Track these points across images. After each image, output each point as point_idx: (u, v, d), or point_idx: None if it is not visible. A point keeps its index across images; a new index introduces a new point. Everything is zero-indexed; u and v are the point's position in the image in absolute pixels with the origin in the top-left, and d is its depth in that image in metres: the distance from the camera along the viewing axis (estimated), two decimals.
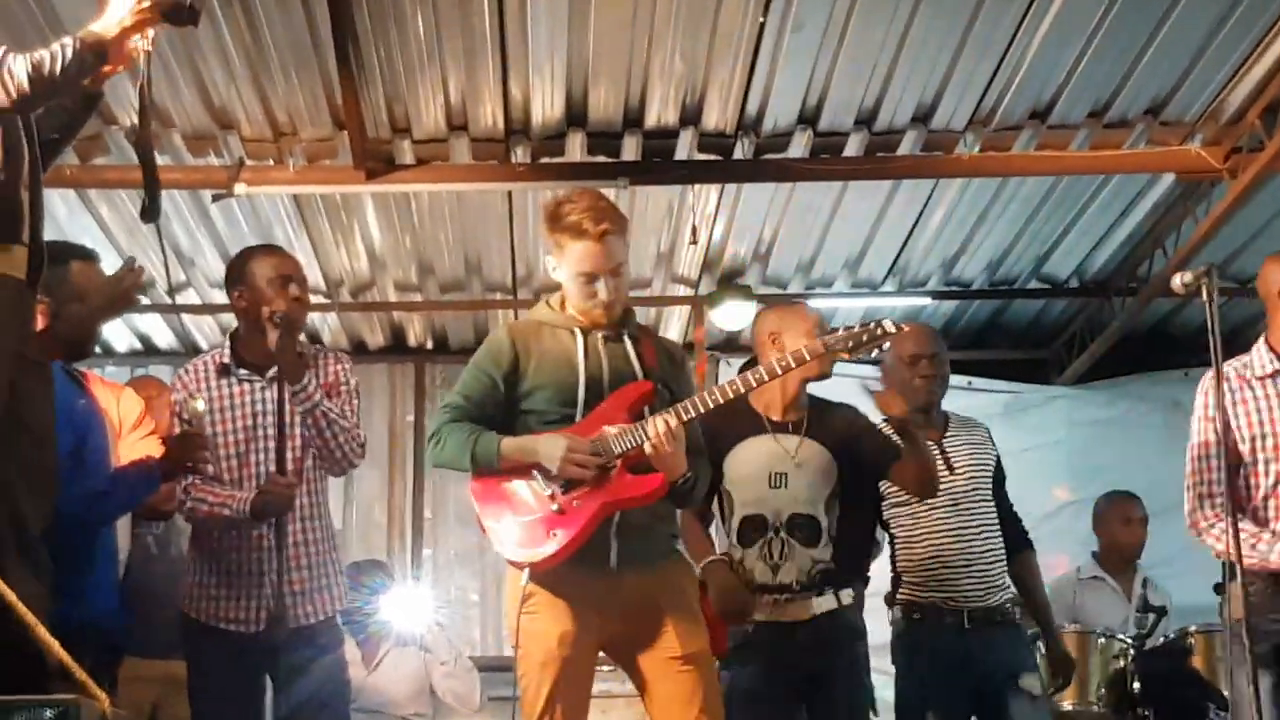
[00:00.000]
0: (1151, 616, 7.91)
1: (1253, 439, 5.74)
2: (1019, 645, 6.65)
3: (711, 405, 5.25)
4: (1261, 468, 5.73)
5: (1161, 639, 7.83)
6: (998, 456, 6.78)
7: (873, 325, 5.39)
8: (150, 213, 5.00)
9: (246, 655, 5.90)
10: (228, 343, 6.23)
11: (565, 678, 5.25)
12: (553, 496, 5.22)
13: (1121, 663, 7.69)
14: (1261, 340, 5.90)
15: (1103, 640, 7.80)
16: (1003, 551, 6.63)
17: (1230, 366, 5.86)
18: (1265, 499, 5.76)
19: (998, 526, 6.63)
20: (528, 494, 5.27)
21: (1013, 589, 6.65)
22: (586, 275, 5.33)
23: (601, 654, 5.46)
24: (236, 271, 6.20)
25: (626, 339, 5.44)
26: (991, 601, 6.50)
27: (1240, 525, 5.62)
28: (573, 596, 5.25)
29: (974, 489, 6.59)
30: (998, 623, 6.51)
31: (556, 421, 5.31)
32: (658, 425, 5.13)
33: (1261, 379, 5.79)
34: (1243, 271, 11.52)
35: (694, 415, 5.22)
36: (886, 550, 6.83)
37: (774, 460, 6.16)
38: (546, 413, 5.35)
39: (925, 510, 6.50)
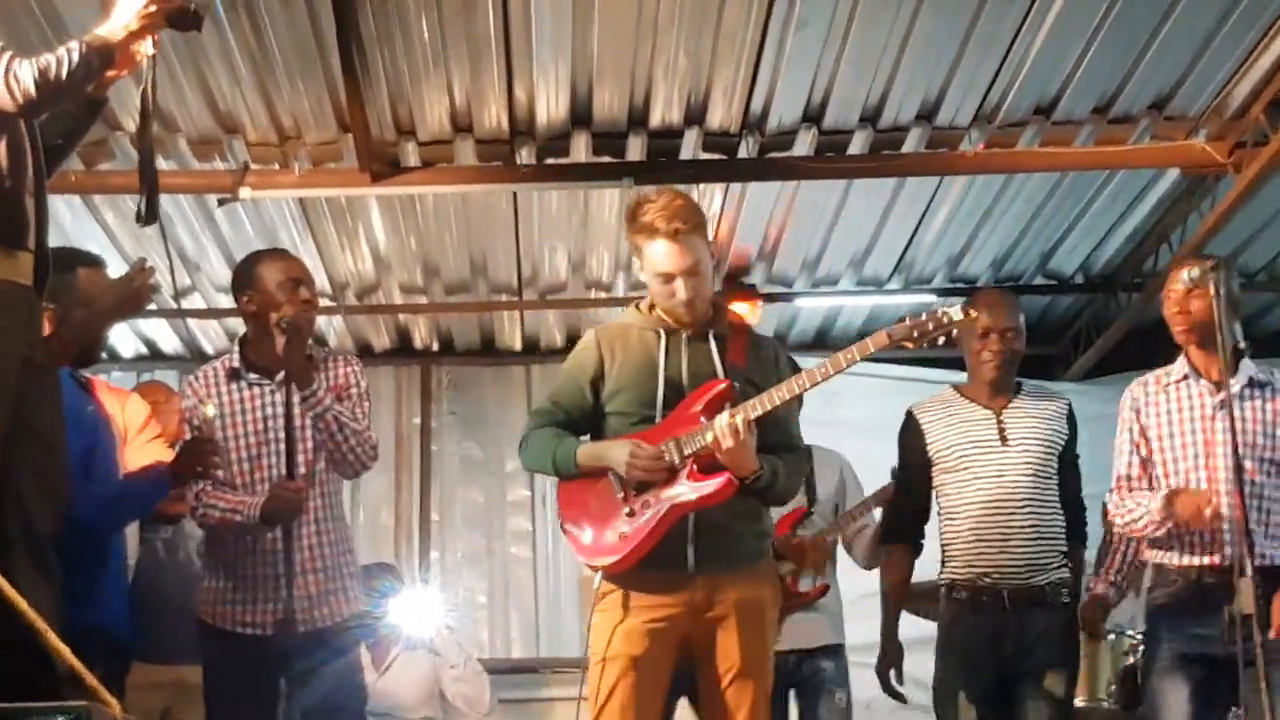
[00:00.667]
0: None
1: (1160, 439, 6.03)
2: (1057, 633, 6.38)
3: (779, 401, 5.24)
4: (1171, 467, 6.00)
5: None
6: (1070, 436, 6.51)
7: (939, 314, 5.37)
8: (148, 216, 5.00)
9: (261, 659, 5.91)
10: (236, 348, 6.24)
11: (628, 674, 5.26)
12: (625, 499, 5.24)
13: (1131, 659, 7.67)
14: (1183, 353, 6.21)
15: (1113, 636, 7.80)
16: (1054, 531, 6.37)
17: (1152, 374, 6.29)
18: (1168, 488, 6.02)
19: (1052, 505, 6.38)
20: (604, 498, 5.32)
21: (1066, 571, 6.39)
22: (663, 275, 5.35)
23: None
24: (244, 276, 6.21)
25: (712, 338, 5.44)
26: (1035, 581, 6.25)
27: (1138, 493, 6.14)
28: (647, 596, 5.28)
29: (1025, 462, 6.32)
30: (1041, 604, 6.27)
31: (638, 422, 5.36)
32: (722, 422, 5.14)
33: (1175, 383, 6.06)
34: (1248, 265, 11.55)
35: (760, 413, 5.21)
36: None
37: None
38: (629, 414, 5.40)
39: (970, 480, 6.32)
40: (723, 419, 5.14)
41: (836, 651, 7.59)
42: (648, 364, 5.36)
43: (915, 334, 5.35)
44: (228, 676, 6.08)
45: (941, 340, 5.39)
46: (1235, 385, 5.99)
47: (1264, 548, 5.88)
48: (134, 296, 5.89)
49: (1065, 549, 6.39)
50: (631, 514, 5.22)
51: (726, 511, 5.27)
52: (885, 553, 6.86)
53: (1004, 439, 6.34)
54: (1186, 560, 5.99)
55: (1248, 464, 5.88)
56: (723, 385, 5.30)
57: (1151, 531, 5.99)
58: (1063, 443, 6.44)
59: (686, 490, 5.21)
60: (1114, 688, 7.68)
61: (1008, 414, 6.41)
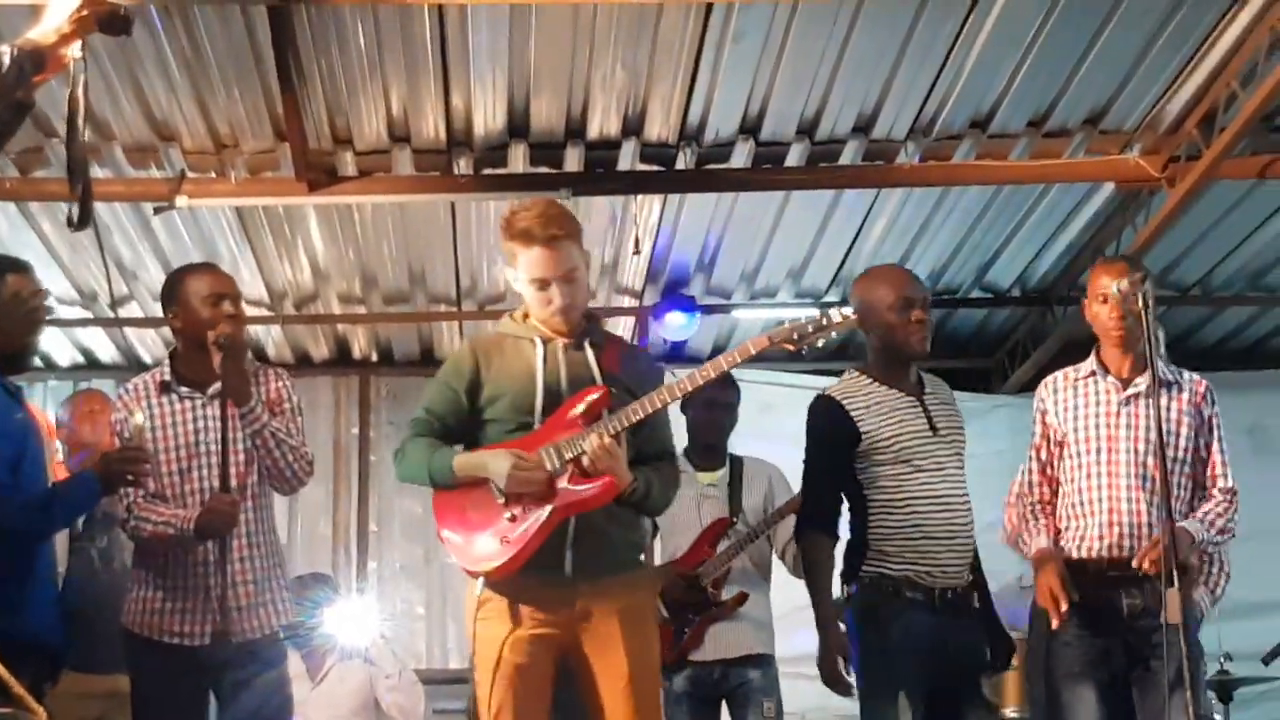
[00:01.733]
0: None
1: (1068, 434, 6.20)
2: (982, 640, 6.23)
3: (644, 415, 5.28)
4: (1076, 460, 6.11)
5: None
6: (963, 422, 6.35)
7: (819, 316, 5.40)
8: (80, 221, 4.98)
9: (190, 670, 5.90)
10: (167, 361, 6.24)
11: (516, 683, 5.26)
12: (505, 505, 5.25)
13: None
14: (1094, 350, 6.33)
15: None
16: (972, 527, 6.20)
17: (1061, 371, 6.39)
18: (1080, 492, 6.14)
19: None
20: (483, 505, 5.30)
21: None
22: (539, 281, 5.37)
23: None
24: (169, 292, 6.23)
25: (588, 346, 5.46)
26: (965, 579, 6.07)
27: (1037, 520, 6.28)
28: (527, 603, 5.28)
29: (955, 454, 6.15)
30: (965, 608, 6.09)
31: (516, 430, 5.35)
32: (592, 444, 5.16)
33: (1083, 379, 6.15)
34: (1182, 280, 11.64)
35: (624, 428, 5.25)
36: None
37: None
38: (506, 421, 5.39)
39: (909, 474, 5.97)
40: (592, 441, 5.16)
41: (764, 661, 7.60)
42: (525, 372, 5.37)
43: (795, 336, 5.38)
44: (156, 687, 6.05)
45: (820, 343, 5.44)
46: (1141, 384, 6.08)
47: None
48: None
49: None
50: (513, 519, 5.22)
51: (604, 518, 5.28)
52: (808, 541, 6.21)
53: (934, 428, 6.11)
54: (1075, 555, 6.09)
55: (1150, 460, 5.97)
56: (600, 392, 5.33)
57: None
58: (963, 427, 6.29)
59: (568, 494, 5.22)
60: None
61: (927, 399, 6.19)
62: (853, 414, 6.04)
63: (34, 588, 5.76)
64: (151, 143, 9.35)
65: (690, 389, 5.42)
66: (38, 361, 12.10)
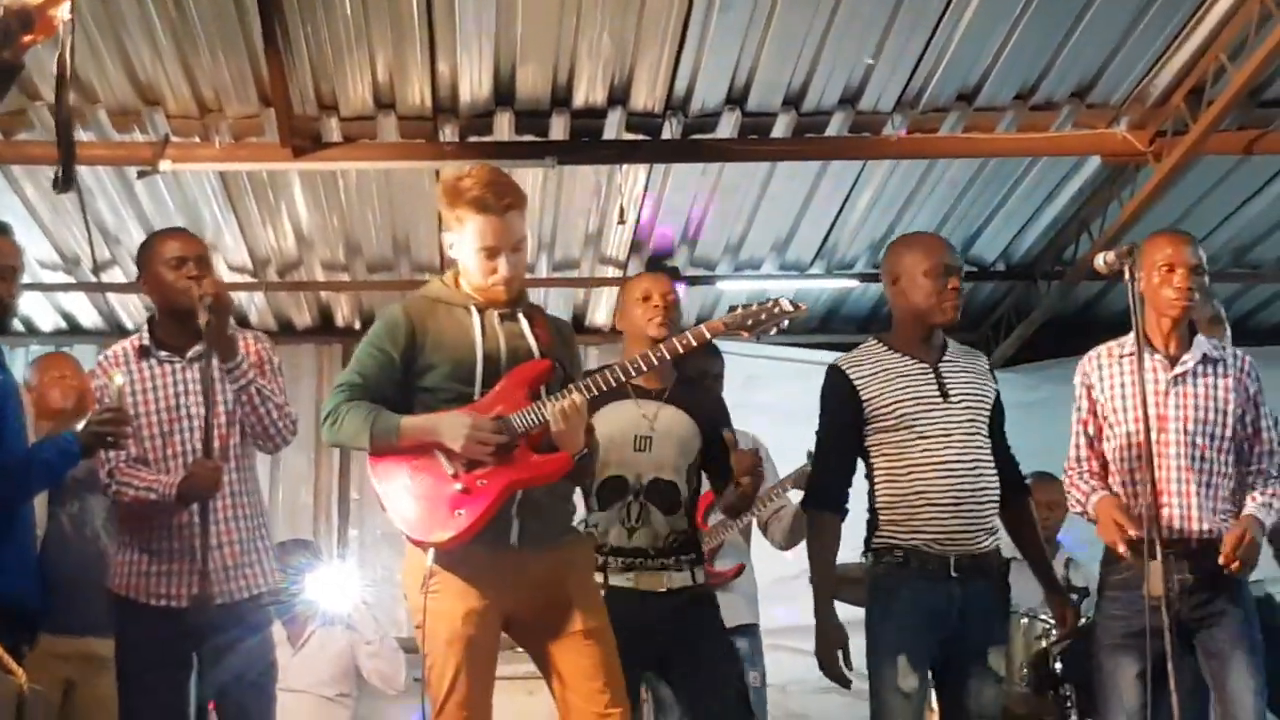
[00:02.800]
0: (1074, 597, 7.93)
1: (1115, 411, 6.09)
2: (998, 608, 6.20)
3: (612, 383, 5.32)
4: (1124, 439, 6.08)
5: (1084, 619, 7.88)
6: (998, 392, 6.24)
7: (769, 303, 5.47)
8: (64, 183, 4.96)
9: (174, 632, 5.89)
10: (145, 326, 6.25)
11: (471, 656, 5.23)
12: (456, 475, 5.19)
13: (1044, 643, 7.73)
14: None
15: (1025, 620, 7.84)
16: (996, 493, 6.06)
17: (1104, 345, 6.25)
18: (1130, 470, 6.10)
19: (993, 464, 6.07)
20: (429, 473, 5.23)
21: (1002, 534, 6.14)
22: (489, 250, 5.30)
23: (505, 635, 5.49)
24: (139, 258, 6.28)
25: (521, 317, 5.44)
26: (981, 547, 5.95)
27: (1080, 480, 6.19)
28: (475, 575, 5.22)
29: (969, 420, 6.01)
30: (984, 573, 5.98)
31: (454, 400, 5.27)
32: (562, 403, 5.14)
33: (1130, 354, 6.07)
34: None
35: (596, 393, 5.26)
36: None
37: (636, 424, 6.15)
38: (444, 390, 5.30)
39: (914, 440, 5.88)
40: (564, 400, 5.16)
41: (750, 631, 7.59)
42: (464, 340, 5.32)
43: (749, 322, 5.46)
44: (141, 649, 6.06)
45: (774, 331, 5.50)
46: (1190, 361, 6.05)
47: (1210, 522, 5.95)
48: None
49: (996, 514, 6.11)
50: (467, 491, 5.19)
51: (546, 490, 5.29)
52: (812, 520, 6.13)
53: (945, 394, 6.01)
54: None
55: (1199, 440, 5.96)
56: (545, 365, 5.32)
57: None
58: (994, 398, 6.18)
59: (524, 467, 5.21)
60: (1026, 671, 7.74)
61: (944, 367, 6.08)
62: (855, 382, 5.98)
63: (12, 550, 5.74)
64: (136, 106, 9.31)
65: (654, 363, 5.47)
66: (19, 326, 12.08)
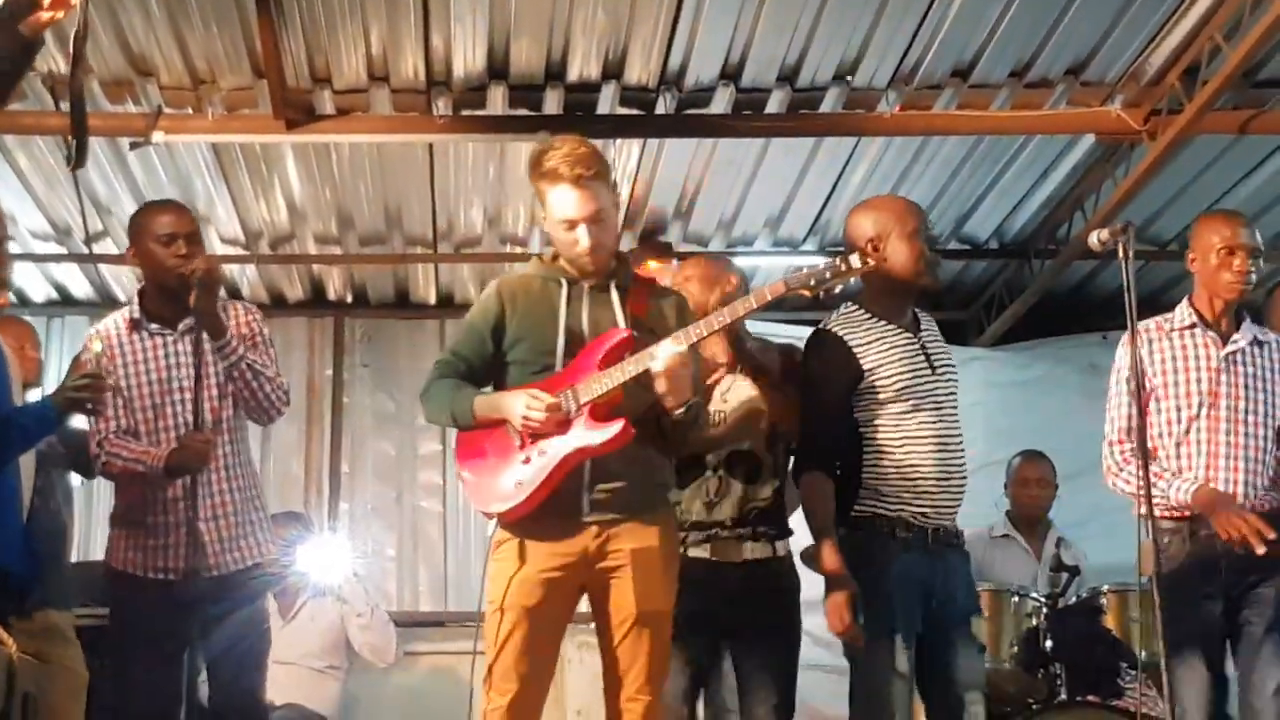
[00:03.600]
0: (1065, 576, 7.95)
1: (1165, 386, 6.03)
2: (970, 579, 6.30)
3: (709, 332, 5.36)
4: (1173, 414, 6.01)
5: (1074, 598, 7.90)
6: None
7: (837, 262, 5.44)
8: (78, 160, 4.99)
9: (169, 604, 5.95)
10: (136, 299, 6.27)
11: (521, 623, 5.29)
12: (521, 446, 5.26)
13: (1034, 621, 7.76)
14: (1186, 299, 6.14)
15: (1016, 599, 7.87)
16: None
17: (1153, 320, 6.28)
18: (1177, 445, 6.06)
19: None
20: (500, 446, 5.37)
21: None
22: (567, 222, 5.39)
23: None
24: (130, 230, 6.35)
25: (614, 289, 5.46)
26: (953, 520, 6.10)
27: (1132, 456, 6.07)
28: (542, 544, 5.33)
29: (951, 393, 6.15)
30: (954, 545, 6.12)
31: (539, 371, 5.42)
32: (668, 349, 5.18)
33: (1180, 330, 6.07)
34: (1161, 234, 11.62)
35: (697, 339, 5.30)
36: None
37: (710, 400, 6.16)
38: (529, 363, 5.45)
39: (909, 414, 5.96)
40: (668, 346, 5.17)
41: None
42: (549, 313, 5.40)
43: (812, 281, 5.43)
44: (137, 621, 6.13)
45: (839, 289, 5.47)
46: (1241, 340, 6.08)
47: (1257, 500, 6.10)
48: None
49: None
50: (528, 461, 5.26)
51: (622, 460, 5.32)
52: (806, 483, 6.05)
53: (932, 366, 6.10)
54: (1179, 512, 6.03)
55: (1250, 417, 5.99)
56: (623, 335, 5.34)
57: (1169, 514, 6.06)
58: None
59: (583, 437, 5.24)
60: (1015, 649, 7.76)
61: (924, 336, 6.17)
62: (855, 350, 5.98)
63: None
64: (128, 77, 9.27)
65: (717, 328, 5.42)
66: (11, 297, 12.05)
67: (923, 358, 6.04)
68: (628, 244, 11.72)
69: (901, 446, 5.95)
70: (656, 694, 5.46)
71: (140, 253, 6.24)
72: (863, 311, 6.08)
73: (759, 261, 12.14)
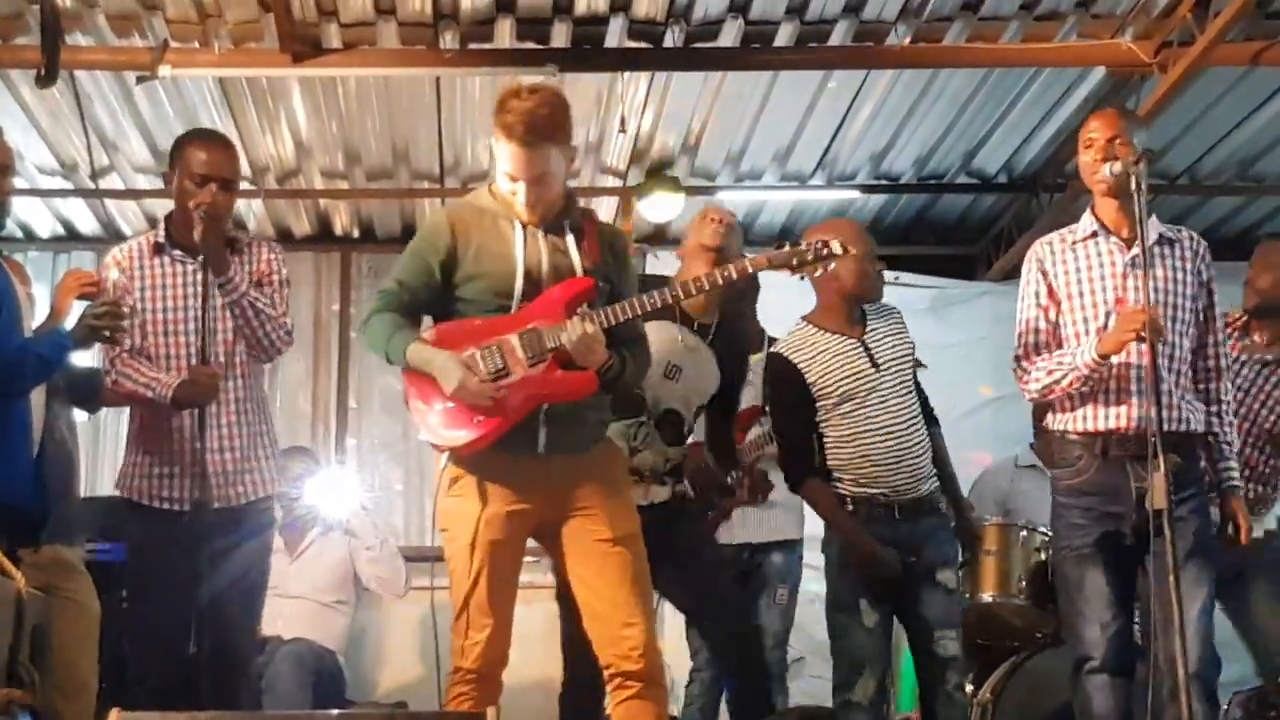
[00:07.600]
0: None
1: (1069, 299, 6.00)
2: (943, 537, 6.75)
3: (639, 311, 5.39)
4: (1080, 326, 5.97)
5: None
6: (913, 342, 6.84)
7: (818, 244, 5.58)
8: (47, 78, 4.97)
9: (178, 536, 5.98)
10: (162, 222, 6.34)
11: (492, 559, 5.31)
12: (482, 384, 5.25)
13: (1043, 555, 7.75)
14: (1089, 208, 6.11)
15: (1024, 533, 7.87)
16: (928, 443, 6.70)
17: (1055, 234, 6.21)
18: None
19: (921, 419, 6.72)
20: None
21: (936, 478, 6.74)
22: (509, 176, 5.36)
23: (531, 542, 5.53)
24: (172, 154, 6.39)
25: (568, 230, 5.45)
26: (919, 492, 6.59)
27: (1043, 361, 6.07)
28: (499, 480, 5.32)
29: (899, 383, 6.65)
30: (926, 512, 6.63)
31: (491, 312, 5.36)
32: (578, 330, 5.24)
33: (1084, 240, 6.02)
34: (1170, 169, 11.57)
35: (616, 322, 5.33)
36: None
37: (672, 351, 6.36)
38: (483, 303, 5.39)
39: (854, 408, 6.55)
40: (584, 328, 5.23)
41: (789, 546, 7.78)
42: (505, 254, 5.38)
43: (794, 261, 5.59)
44: (149, 550, 6.20)
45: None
46: (1148, 242, 5.86)
47: (1185, 411, 5.92)
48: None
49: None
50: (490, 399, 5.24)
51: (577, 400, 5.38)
52: (807, 491, 6.76)
53: (875, 364, 6.60)
54: (1089, 426, 5.95)
55: (1163, 324, 5.85)
56: (587, 284, 5.39)
57: (1078, 386, 5.91)
58: (912, 350, 6.81)
59: (548, 383, 5.30)
60: (1024, 584, 7.77)
61: (869, 338, 6.66)
62: (800, 367, 6.62)
63: (6, 449, 5.69)
64: (135, 11, 9.21)
65: (694, 292, 5.62)
66: (17, 231, 12.05)
67: (865, 359, 6.60)
68: (636, 178, 11.70)
69: (853, 440, 6.56)
70: (651, 619, 5.45)
71: (177, 183, 6.25)
72: (810, 328, 6.70)
73: (767, 195, 12.11)
